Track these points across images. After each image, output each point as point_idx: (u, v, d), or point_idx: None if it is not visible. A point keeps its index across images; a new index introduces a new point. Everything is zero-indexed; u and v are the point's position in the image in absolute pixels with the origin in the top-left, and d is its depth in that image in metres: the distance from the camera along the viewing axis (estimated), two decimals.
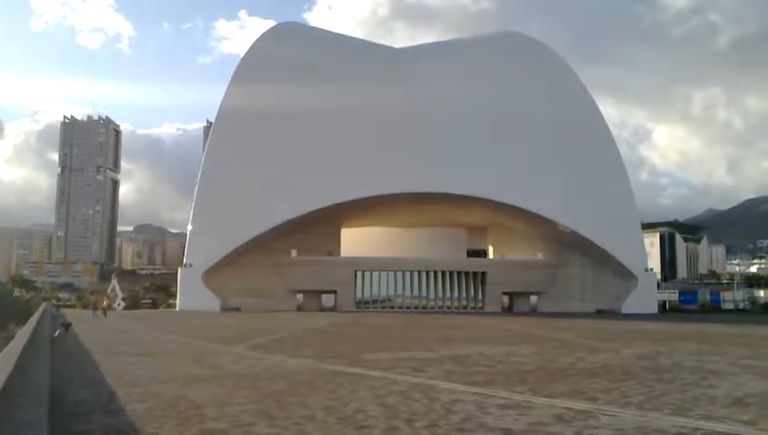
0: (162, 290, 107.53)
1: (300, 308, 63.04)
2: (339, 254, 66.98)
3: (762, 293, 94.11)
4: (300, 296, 65.08)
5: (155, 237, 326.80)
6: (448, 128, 64.14)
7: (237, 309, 59.05)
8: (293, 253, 63.46)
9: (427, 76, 68.71)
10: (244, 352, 18.76)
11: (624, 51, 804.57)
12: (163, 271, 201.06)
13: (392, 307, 65.37)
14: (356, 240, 72.92)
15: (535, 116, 65.23)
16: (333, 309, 63.27)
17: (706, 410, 9.31)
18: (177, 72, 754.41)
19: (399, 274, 66.69)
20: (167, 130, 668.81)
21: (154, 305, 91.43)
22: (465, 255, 75.14)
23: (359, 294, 65.32)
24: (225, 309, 59.50)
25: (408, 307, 65.14)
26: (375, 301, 66.37)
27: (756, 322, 51.03)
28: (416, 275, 66.47)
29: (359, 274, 64.94)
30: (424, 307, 64.99)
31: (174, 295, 73.86)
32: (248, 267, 62.00)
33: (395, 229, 77.24)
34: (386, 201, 62.64)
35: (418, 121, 64.07)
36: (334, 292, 64.54)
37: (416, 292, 66.80)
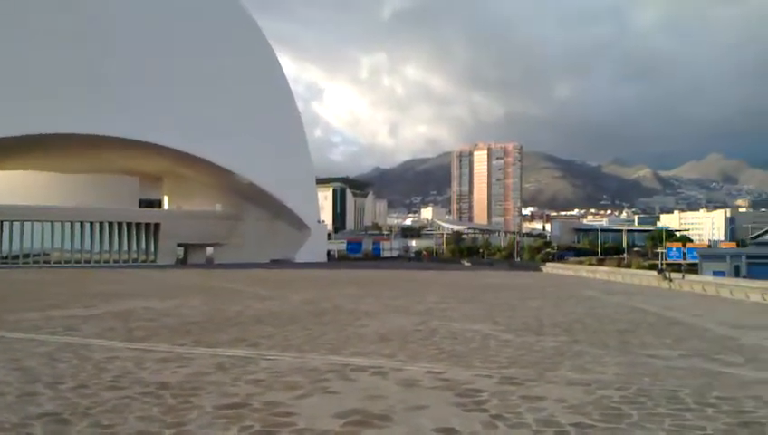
0: None
1: None
2: None
3: (414, 242, 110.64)
4: None
5: None
6: (124, 69, 58.05)
7: None
8: None
9: (108, 12, 61.00)
10: None
11: (299, 7, 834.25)
12: None
13: (48, 262, 58.32)
14: (6, 186, 62.63)
15: (218, 65, 63.29)
16: None
17: (356, 348, 10.30)
18: None
19: (57, 224, 59.53)
20: None
21: None
22: (138, 205, 70.59)
23: (5, 248, 56.54)
24: None
25: (69, 262, 58.86)
26: (27, 255, 58.26)
27: (408, 267, 59.26)
28: (77, 226, 60.16)
29: (5, 224, 56.10)
30: (87, 262, 59.43)
31: None
32: None
33: (56, 175, 68.20)
34: (43, 142, 54.44)
35: (90, 55, 56.62)
36: None
37: (77, 245, 60.58)
